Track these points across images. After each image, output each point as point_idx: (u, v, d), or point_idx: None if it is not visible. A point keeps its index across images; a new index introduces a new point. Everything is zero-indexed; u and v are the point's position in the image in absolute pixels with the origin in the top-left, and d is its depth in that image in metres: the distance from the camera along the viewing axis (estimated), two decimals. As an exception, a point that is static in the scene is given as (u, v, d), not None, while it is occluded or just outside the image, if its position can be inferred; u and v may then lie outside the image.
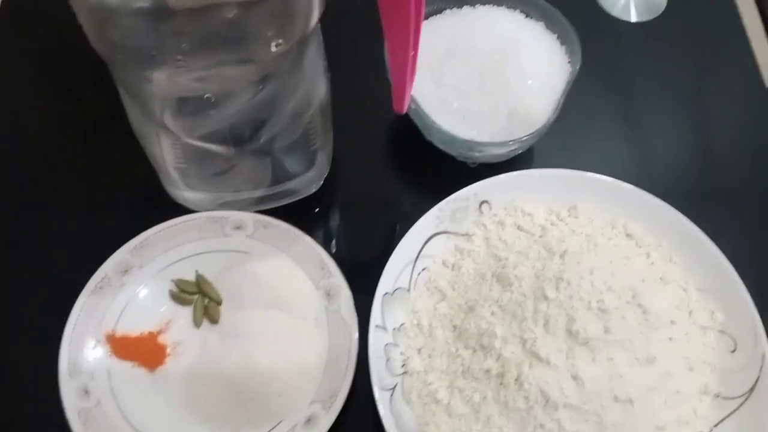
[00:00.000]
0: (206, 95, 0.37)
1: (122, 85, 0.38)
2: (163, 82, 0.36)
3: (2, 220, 0.50)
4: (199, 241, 0.47)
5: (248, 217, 0.47)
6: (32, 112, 0.55)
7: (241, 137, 0.41)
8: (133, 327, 0.45)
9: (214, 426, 0.41)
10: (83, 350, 0.43)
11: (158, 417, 0.42)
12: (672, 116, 0.57)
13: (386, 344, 0.43)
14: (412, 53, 0.39)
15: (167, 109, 0.39)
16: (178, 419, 0.42)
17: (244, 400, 0.41)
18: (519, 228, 0.47)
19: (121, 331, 0.44)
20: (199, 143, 0.41)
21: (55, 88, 0.56)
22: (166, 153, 0.44)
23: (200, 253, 0.47)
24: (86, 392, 0.42)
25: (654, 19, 0.61)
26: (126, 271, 0.45)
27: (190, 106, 0.39)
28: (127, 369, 0.43)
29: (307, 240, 0.46)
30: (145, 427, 0.41)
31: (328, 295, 0.45)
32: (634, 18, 0.61)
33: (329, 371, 0.43)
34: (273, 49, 0.34)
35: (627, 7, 0.62)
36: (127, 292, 0.45)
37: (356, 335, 0.43)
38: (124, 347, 0.44)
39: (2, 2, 0.59)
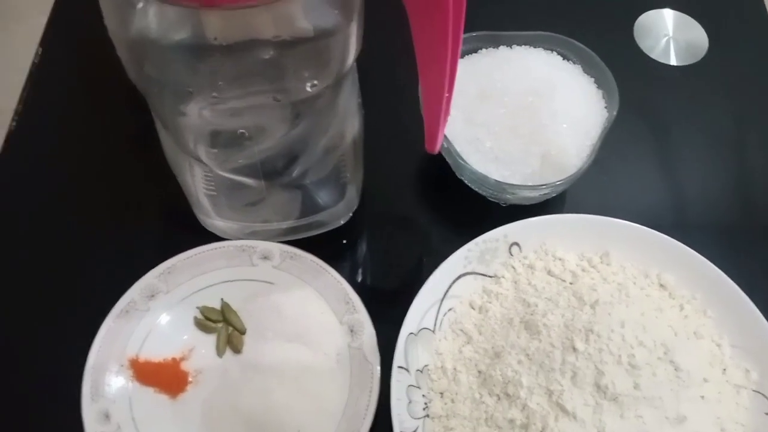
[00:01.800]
0: (240, 131, 0.37)
1: (157, 115, 0.39)
2: (198, 115, 0.36)
3: (32, 239, 0.51)
4: (225, 270, 0.47)
5: (275, 248, 0.47)
6: (68, 132, 0.56)
7: (272, 171, 0.41)
8: (156, 352, 0.45)
9: (231, 459, 0.41)
10: (106, 374, 0.43)
11: (176, 446, 0.42)
12: (710, 164, 0.55)
13: (408, 386, 0.42)
14: (447, 95, 0.39)
15: (200, 142, 0.39)
16: (195, 450, 0.42)
17: (262, 435, 0.41)
18: (549, 273, 0.46)
19: (144, 356, 0.44)
20: (231, 175, 0.41)
21: (92, 108, 0.57)
22: (198, 182, 0.44)
23: (226, 281, 0.47)
24: (107, 417, 0.42)
25: (694, 63, 0.60)
26: (152, 296, 0.46)
27: (223, 140, 0.39)
28: (148, 395, 0.43)
29: (333, 273, 0.46)
30: (162, 456, 0.41)
31: (352, 331, 0.45)
32: (673, 62, 0.60)
33: (349, 410, 0.42)
34: (308, 89, 0.35)
35: (667, 50, 0.61)
36: (152, 317, 0.45)
37: (378, 375, 0.43)
38: (146, 372, 0.44)
39: (47, 22, 0.60)
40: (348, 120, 0.42)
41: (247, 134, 0.37)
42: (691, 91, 0.59)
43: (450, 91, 0.40)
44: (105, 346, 0.44)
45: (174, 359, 0.45)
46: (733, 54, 0.61)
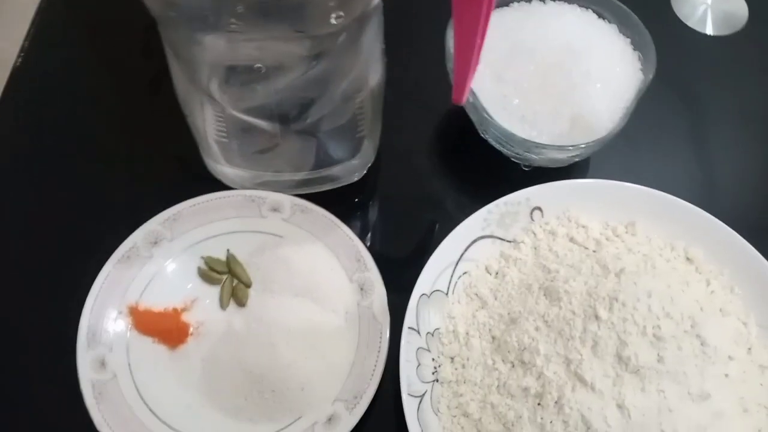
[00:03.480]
0: (257, 65, 0.35)
1: (171, 47, 0.36)
2: (214, 47, 0.34)
3: (35, 181, 0.49)
4: (233, 220, 0.45)
5: (286, 200, 0.45)
6: (77, 77, 0.54)
7: (287, 115, 0.39)
8: (157, 301, 0.43)
9: (231, 414, 0.39)
10: (104, 320, 0.41)
11: (174, 398, 0.40)
12: (744, 139, 0.53)
13: (418, 348, 0.41)
14: (479, 42, 0.36)
15: (215, 78, 0.37)
16: (194, 402, 0.40)
17: (265, 390, 0.39)
18: (571, 240, 0.44)
19: (144, 305, 0.43)
20: (244, 116, 0.39)
21: (101, 54, 0.55)
22: (209, 125, 0.42)
23: (233, 232, 0.45)
24: (103, 364, 0.40)
25: (732, 34, 0.58)
26: (155, 242, 0.44)
27: (238, 76, 0.37)
28: (146, 344, 0.42)
29: (345, 230, 0.44)
30: (159, 406, 0.40)
31: (362, 289, 0.43)
32: (710, 31, 0.58)
33: (356, 370, 0.40)
34: (333, 21, 0.32)
35: (704, 18, 0.58)
36: (154, 265, 0.43)
37: (387, 335, 0.41)
38: (146, 321, 0.42)
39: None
40: (371, 65, 0.40)
41: (263, 70, 0.35)
42: (727, 63, 0.56)
43: (482, 37, 0.37)
44: (104, 291, 0.42)
45: (175, 310, 0.43)
46: (774, 27, 0.58)
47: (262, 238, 0.45)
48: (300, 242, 0.44)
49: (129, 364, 0.41)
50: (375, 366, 0.40)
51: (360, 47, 0.37)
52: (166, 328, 0.42)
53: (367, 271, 0.43)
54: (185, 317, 0.43)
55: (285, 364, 0.40)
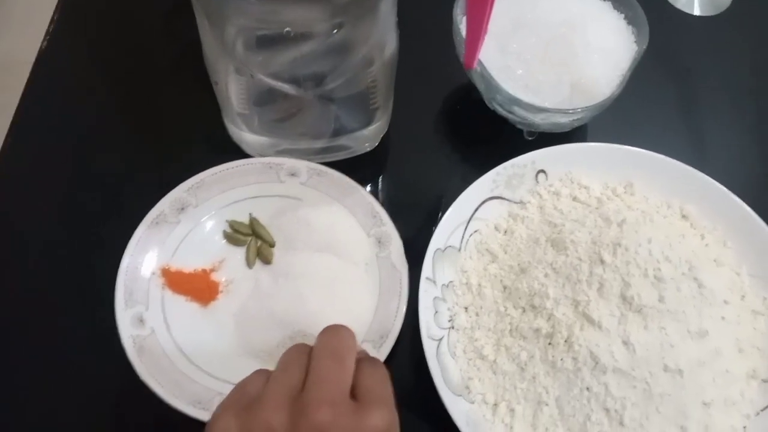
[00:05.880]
0: (286, 30, 0.37)
1: (204, 10, 0.39)
2: (246, 10, 0.36)
3: (71, 155, 0.52)
4: (254, 186, 0.47)
5: (302, 165, 0.48)
6: (106, 55, 0.57)
7: (309, 79, 0.42)
8: (187, 263, 0.45)
9: (266, 360, 0.42)
10: (138, 281, 0.44)
11: (210, 349, 0.43)
12: (728, 106, 0.56)
13: (434, 298, 0.43)
14: (488, 9, 0.40)
15: (244, 41, 0.39)
16: (229, 352, 0.43)
17: (296, 335, 0.42)
18: (575, 199, 0.47)
19: (175, 266, 0.45)
20: (269, 80, 0.41)
21: (127, 35, 0.58)
22: (232, 92, 0.45)
23: (255, 197, 0.47)
24: (141, 321, 0.42)
25: (718, 15, 0.61)
26: (182, 209, 0.46)
27: (265, 41, 0.39)
28: (180, 302, 0.44)
29: (359, 190, 0.47)
30: (197, 357, 0.42)
31: (380, 242, 0.45)
32: (697, 12, 0.61)
33: (380, 313, 0.43)
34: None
35: (691, 0, 0.62)
36: (182, 229, 0.46)
37: (407, 279, 0.44)
38: (178, 281, 0.45)
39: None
40: (385, 35, 0.43)
41: (292, 34, 0.38)
42: (713, 42, 0.60)
43: (491, 5, 0.40)
44: (137, 254, 0.44)
45: (204, 270, 0.46)
46: (757, 8, 0.62)
47: (282, 201, 0.47)
48: (318, 203, 0.47)
49: (165, 320, 0.43)
50: (398, 308, 0.43)
51: (378, 15, 0.40)
52: (197, 287, 0.45)
53: (383, 225, 0.46)
54: (214, 276, 0.45)
55: (313, 311, 0.42)
